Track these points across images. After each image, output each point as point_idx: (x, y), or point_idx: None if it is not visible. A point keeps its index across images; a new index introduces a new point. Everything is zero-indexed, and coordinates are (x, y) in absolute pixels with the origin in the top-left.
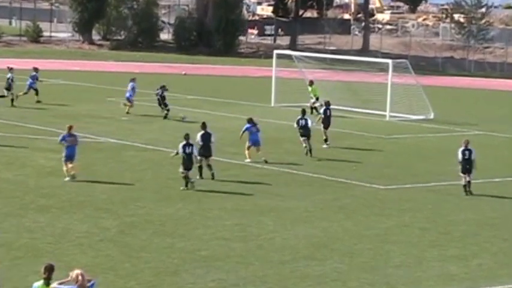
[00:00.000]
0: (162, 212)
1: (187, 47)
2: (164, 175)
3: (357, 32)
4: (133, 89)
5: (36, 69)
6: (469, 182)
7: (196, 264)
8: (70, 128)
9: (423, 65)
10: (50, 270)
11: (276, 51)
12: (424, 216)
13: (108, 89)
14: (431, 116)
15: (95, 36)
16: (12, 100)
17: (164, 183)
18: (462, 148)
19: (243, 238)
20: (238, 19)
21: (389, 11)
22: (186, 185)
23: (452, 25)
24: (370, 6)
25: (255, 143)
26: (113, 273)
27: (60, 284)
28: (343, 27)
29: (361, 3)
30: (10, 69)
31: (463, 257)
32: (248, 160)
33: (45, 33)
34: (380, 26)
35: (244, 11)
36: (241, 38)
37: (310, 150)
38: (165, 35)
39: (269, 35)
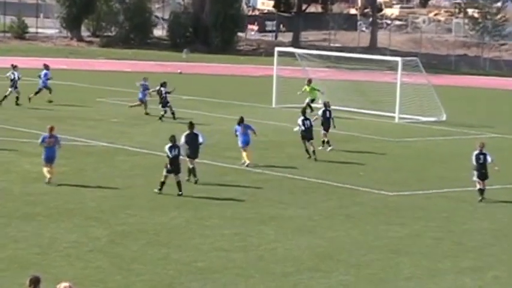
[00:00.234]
0: (156, 221)
1: (182, 44)
2: (157, 181)
3: (363, 28)
4: (145, 88)
5: (46, 67)
6: (482, 189)
7: (193, 277)
8: (51, 129)
9: (435, 64)
10: (35, 282)
11: (277, 49)
12: (437, 225)
13: (97, 89)
14: (444, 118)
15: (84, 33)
16: (5, 97)
17: None
18: (477, 152)
19: (242, 248)
20: (237, 14)
21: (399, 6)
22: (161, 189)
23: (466, 20)
24: (378, 0)
25: (242, 143)
26: (103, 286)
27: None
28: (349, 23)
29: None
30: (14, 67)
31: (478, 269)
32: (243, 161)
33: (31, 29)
34: (389, 21)
35: (244, 6)
36: (241, 34)
37: (314, 153)
38: (159, 31)
39: (270, 32)
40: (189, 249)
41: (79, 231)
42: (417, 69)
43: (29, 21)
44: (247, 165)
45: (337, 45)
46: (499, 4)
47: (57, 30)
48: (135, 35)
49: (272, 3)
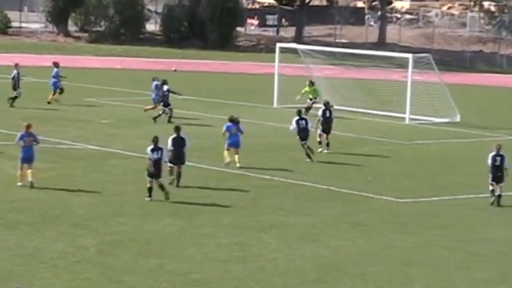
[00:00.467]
0: (148, 229)
1: (177, 40)
2: None
3: (372, 23)
4: (157, 88)
5: (56, 65)
6: (499, 196)
7: None
8: (28, 126)
9: (448, 61)
10: None
11: (279, 45)
12: (450, 234)
13: (86, 88)
14: (458, 119)
15: (71, 27)
16: (13, 99)
17: None
18: (493, 153)
19: (241, 259)
20: (236, 7)
21: None
22: (150, 195)
23: (482, 14)
24: None
25: (233, 144)
26: None
27: None
28: (356, 17)
29: None
30: (16, 66)
31: (493, 280)
32: (228, 161)
33: (14, 24)
34: (399, 15)
35: None
36: (239, 29)
37: (312, 152)
38: (152, 26)
39: (271, 26)
40: (183, 259)
41: (66, 240)
42: (429, 67)
43: (12, 15)
44: (239, 168)
45: (343, 40)
46: None
47: (42, 25)
48: (126, 29)
49: None
